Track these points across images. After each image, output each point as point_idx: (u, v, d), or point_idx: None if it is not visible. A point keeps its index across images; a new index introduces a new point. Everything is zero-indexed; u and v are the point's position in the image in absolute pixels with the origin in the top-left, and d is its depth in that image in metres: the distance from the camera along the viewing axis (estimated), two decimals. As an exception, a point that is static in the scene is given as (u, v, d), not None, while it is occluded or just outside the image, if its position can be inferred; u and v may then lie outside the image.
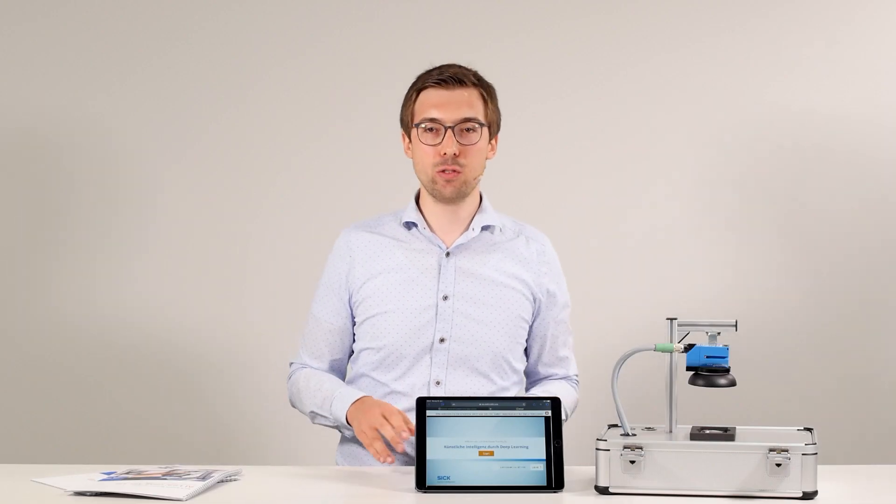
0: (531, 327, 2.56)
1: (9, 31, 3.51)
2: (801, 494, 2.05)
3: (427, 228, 2.52)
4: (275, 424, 3.48)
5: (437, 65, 2.50)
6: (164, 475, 2.18)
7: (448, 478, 2.13)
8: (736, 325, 2.19)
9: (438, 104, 2.45)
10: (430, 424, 2.17)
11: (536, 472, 2.14)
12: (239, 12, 3.52)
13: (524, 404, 2.19)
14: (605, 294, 3.46)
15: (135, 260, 3.52)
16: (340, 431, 2.53)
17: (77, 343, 3.50)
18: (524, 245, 2.56)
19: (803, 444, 2.06)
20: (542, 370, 2.60)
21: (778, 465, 2.05)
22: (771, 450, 2.06)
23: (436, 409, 2.18)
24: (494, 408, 2.19)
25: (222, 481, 2.18)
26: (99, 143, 3.52)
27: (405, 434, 2.28)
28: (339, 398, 2.43)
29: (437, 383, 2.46)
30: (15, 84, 3.52)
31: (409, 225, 2.54)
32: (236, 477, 2.22)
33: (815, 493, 2.06)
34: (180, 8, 3.53)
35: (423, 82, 2.49)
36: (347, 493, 2.16)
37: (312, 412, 2.49)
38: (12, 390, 3.51)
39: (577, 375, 2.64)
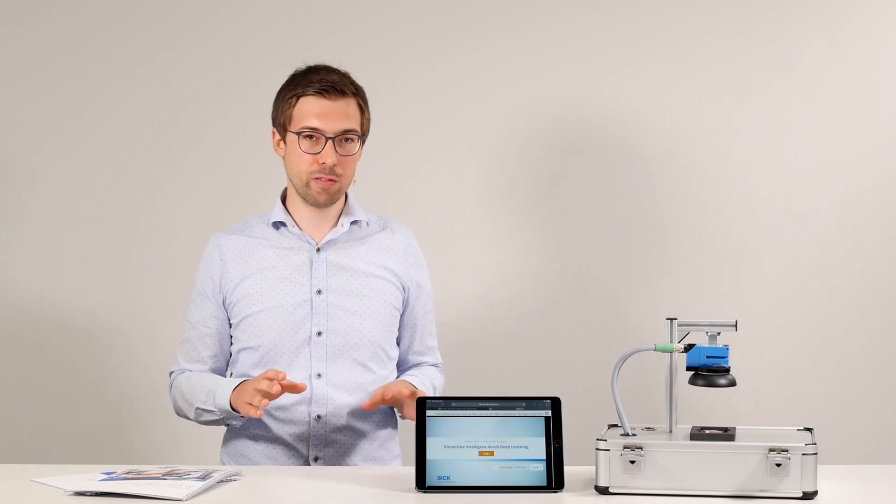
0: (402, 317, 2.63)
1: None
2: (801, 494, 2.05)
3: (296, 227, 2.57)
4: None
5: (311, 65, 2.53)
6: (164, 475, 2.18)
7: (448, 478, 2.13)
8: (736, 325, 2.20)
9: (320, 114, 2.49)
10: (430, 424, 2.17)
11: (536, 472, 2.14)
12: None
13: (524, 404, 2.19)
14: (602, 293, 3.46)
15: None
16: (227, 425, 2.56)
17: (73, 340, 3.51)
18: (390, 237, 2.63)
19: (803, 444, 2.06)
20: (413, 358, 2.68)
21: (778, 465, 2.05)
22: (771, 450, 2.06)
23: (436, 409, 2.18)
24: (494, 408, 2.19)
25: (222, 481, 2.18)
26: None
27: (281, 376, 2.33)
28: (221, 388, 2.48)
29: (319, 376, 2.52)
30: None
31: (278, 225, 2.59)
32: (236, 477, 2.23)
33: (815, 493, 2.06)
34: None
35: (304, 89, 2.50)
36: (347, 493, 2.16)
37: (198, 409, 2.52)
38: (12, 390, 3.51)
39: (441, 363, 2.73)
